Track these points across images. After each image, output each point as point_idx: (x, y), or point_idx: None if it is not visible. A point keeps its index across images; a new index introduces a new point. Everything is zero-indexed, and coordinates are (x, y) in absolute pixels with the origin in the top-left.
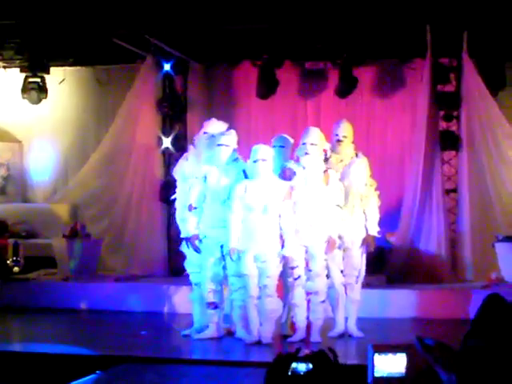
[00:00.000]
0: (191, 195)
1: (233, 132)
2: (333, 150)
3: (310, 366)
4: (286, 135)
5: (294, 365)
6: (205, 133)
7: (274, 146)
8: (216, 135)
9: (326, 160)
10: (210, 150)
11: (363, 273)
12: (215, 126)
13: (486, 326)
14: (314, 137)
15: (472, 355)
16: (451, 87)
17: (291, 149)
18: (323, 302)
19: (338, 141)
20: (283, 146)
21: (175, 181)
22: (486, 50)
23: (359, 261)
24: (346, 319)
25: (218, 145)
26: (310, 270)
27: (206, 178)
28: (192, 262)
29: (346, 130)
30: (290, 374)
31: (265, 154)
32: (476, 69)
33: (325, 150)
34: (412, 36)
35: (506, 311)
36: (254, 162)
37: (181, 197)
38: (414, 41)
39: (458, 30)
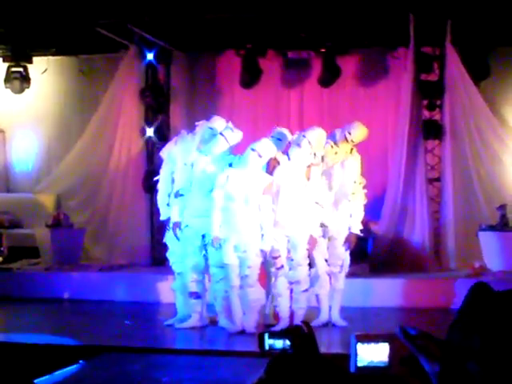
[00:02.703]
0: (179, 182)
1: (240, 134)
2: (333, 140)
3: (288, 342)
4: (285, 130)
5: (270, 341)
6: (210, 128)
7: (272, 137)
8: (225, 127)
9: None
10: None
11: (348, 262)
12: (221, 123)
13: (473, 316)
14: (315, 138)
15: (457, 345)
16: (434, 76)
17: (286, 143)
18: (306, 291)
19: (346, 139)
20: (280, 139)
21: (159, 168)
22: (469, 39)
23: (343, 250)
24: (330, 308)
25: (221, 134)
26: (291, 260)
27: (192, 165)
28: (174, 252)
29: (360, 137)
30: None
31: (265, 150)
32: (459, 58)
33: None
34: (395, 25)
35: (493, 300)
36: (252, 150)
37: (163, 179)
38: (398, 30)
39: (442, 19)
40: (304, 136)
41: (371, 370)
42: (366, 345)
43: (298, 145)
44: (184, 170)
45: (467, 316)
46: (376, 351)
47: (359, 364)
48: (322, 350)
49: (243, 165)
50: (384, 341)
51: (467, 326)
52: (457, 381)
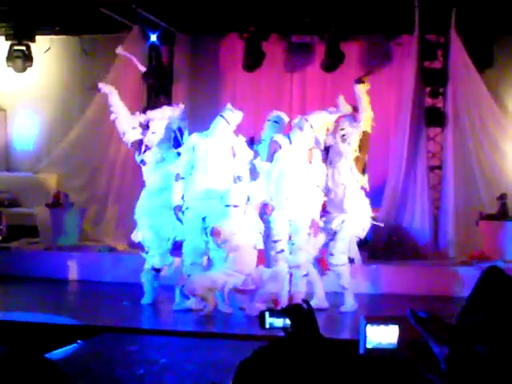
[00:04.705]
0: (178, 164)
1: (240, 114)
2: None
3: (288, 321)
4: (282, 112)
5: (270, 320)
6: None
7: (269, 120)
8: (225, 109)
9: (327, 149)
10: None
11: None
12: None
13: (485, 299)
14: (318, 122)
15: (468, 328)
16: (438, 64)
17: (284, 126)
18: (305, 275)
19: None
20: (277, 122)
21: None
22: (473, 27)
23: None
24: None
25: (221, 116)
26: (292, 244)
27: (194, 148)
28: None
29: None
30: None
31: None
32: (463, 46)
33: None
34: (400, 11)
35: (506, 284)
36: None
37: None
38: (402, 16)
39: (447, 7)
40: (306, 120)
41: (380, 352)
42: (375, 326)
43: (300, 128)
44: (184, 153)
45: (479, 299)
46: (385, 333)
47: (368, 346)
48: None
49: None
50: (393, 323)
51: (479, 309)
52: (466, 364)
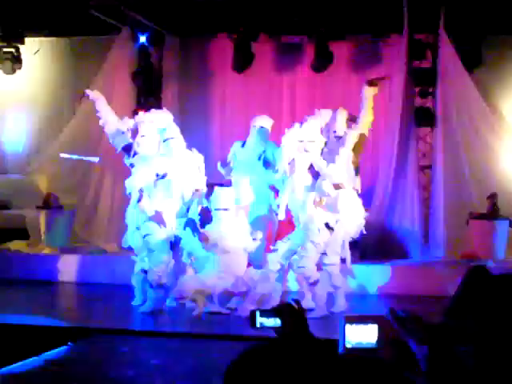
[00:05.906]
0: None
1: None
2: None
3: (278, 321)
4: (265, 117)
5: (261, 319)
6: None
7: (254, 126)
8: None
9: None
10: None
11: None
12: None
13: (471, 298)
14: (313, 133)
15: (454, 327)
16: (427, 63)
17: (269, 129)
18: (313, 284)
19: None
20: (262, 127)
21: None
22: (462, 26)
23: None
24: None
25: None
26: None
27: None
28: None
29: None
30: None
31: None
32: (452, 45)
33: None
34: (389, 11)
35: (491, 284)
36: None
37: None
38: (391, 16)
39: (435, 6)
40: (302, 140)
41: (359, 352)
42: (354, 326)
43: (306, 150)
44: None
45: (465, 298)
46: (364, 332)
47: (347, 345)
48: None
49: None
50: (373, 322)
51: (465, 309)
52: (445, 363)
